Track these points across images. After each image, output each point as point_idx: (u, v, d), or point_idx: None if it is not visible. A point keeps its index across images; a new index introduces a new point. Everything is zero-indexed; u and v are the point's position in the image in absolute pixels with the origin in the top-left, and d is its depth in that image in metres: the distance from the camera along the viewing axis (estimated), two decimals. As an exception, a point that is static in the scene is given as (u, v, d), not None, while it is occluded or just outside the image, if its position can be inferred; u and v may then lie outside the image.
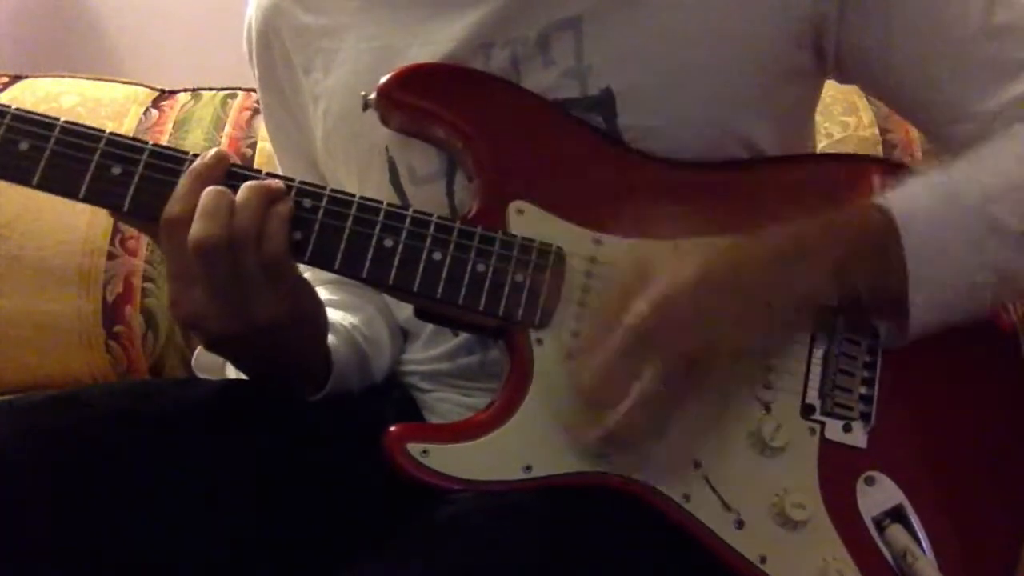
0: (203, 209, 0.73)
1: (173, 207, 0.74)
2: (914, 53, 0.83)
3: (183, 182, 0.75)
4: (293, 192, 0.77)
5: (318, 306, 0.84)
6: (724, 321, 0.73)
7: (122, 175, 0.76)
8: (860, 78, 0.89)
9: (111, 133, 0.77)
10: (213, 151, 0.77)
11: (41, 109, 0.78)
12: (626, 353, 0.72)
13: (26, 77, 1.54)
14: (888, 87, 0.88)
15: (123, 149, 0.77)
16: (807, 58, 0.86)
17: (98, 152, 0.76)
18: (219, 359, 0.88)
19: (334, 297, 1.00)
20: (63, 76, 1.55)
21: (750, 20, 0.83)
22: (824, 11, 0.83)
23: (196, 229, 0.72)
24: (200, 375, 0.91)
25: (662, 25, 0.83)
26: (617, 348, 0.72)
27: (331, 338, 0.90)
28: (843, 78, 0.90)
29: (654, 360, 0.71)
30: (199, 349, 0.91)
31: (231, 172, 0.77)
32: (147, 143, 0.77)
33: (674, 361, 0.71)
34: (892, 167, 0.88)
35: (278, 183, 0.77)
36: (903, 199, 0.77)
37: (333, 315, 0.96)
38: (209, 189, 0.74)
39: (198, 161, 0.76)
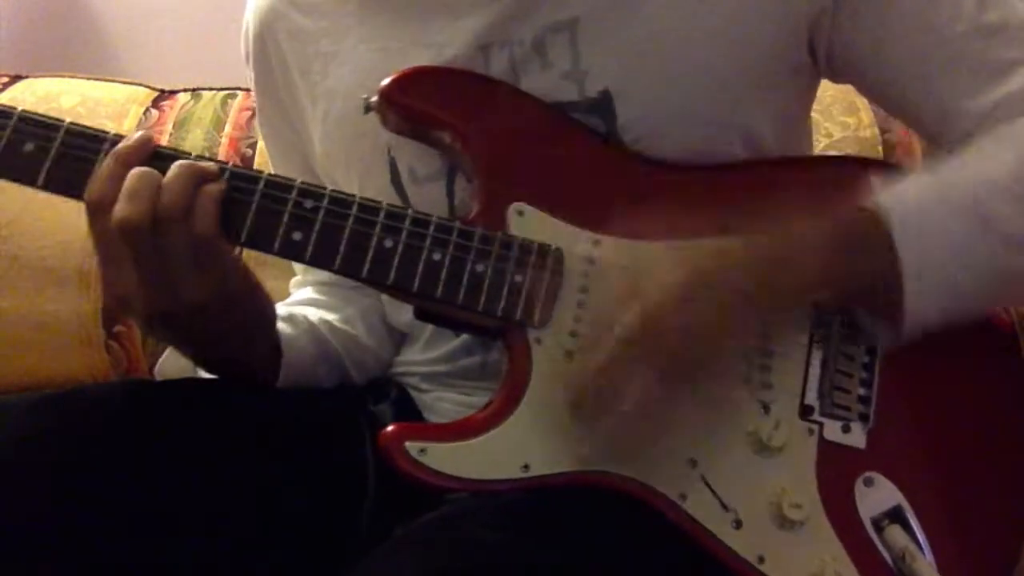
0: (127, 190, 0.73)
1: (95, 189, 0.74)
2: (905, 52, 0.83)
3: (106, 164, 0.75)
4: (294, 192, 0.77)
5: (253, 289, 0.83)
6: (712, 325, 0.73)
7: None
8: (851, 76, 0.89)
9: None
10: (138, 133, 0.77)
11: (41, 109, 0.78)
12: (618, 364, 0.72)
13: (26, 77, 1.54)
14: (879, 85, 0.88)
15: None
16: (804, 56, 0.86)
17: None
18: (185, 368, 0.88)
19: (315, 296, 1.00)
20: (63, 76, 1.55)
21: (747, 20, 0.83)
22: (819, 11, 0.83)
23: (120, 209, 0.73)
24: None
25: (658, 26, 0.83)
26: (609, 360, 0.73)
27: (286, 327, 0.90)
28: (834, 76, 0.90)
29: (646, 368, 0.72)
30: (162, 359, 0.91)
31: (157, 153, 0.77)
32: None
33: (665, 367, 0.72)
34: (888, 168, 0.88)
35: (210, 165, 0.77)
36: (893, 198, 0.77)
37: (304, 310, 0.96)
38: (135, 170, 0.74)
39: (122, 143, 0.76)
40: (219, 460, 0.79)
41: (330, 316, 0.98)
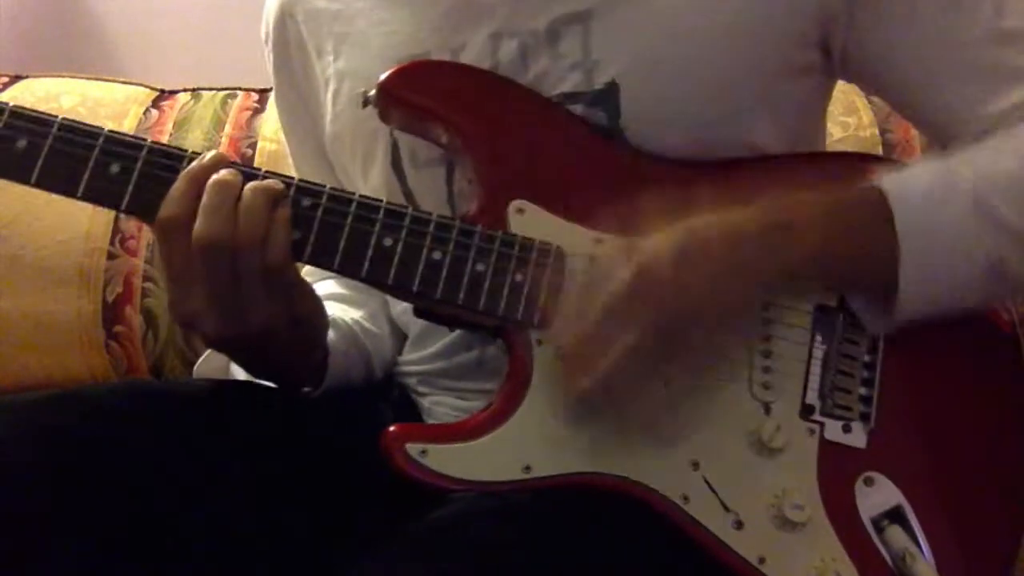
0: (206, 206, 0.73)
1: (169, 208, 0.74)
2: (920, 54, 0.83)
3: (179, 184, 0.74)
4: (292, 190, 0.77)
5: (316, 308, 0.84)
6: (705, 286, 0.72)
7: (120, 173, 0.76)
8: (864, 77, 0.89)
9: (110, 131, 0.77)
10: (212, 153, 0.76)
11: (41, 109, 0.78)
12: (609, 316, 0.71)
13: (26, 77, 1.54)
14: (892, 87, 0.88)
15: (122, 146, 0.77)
16: (814, 57, 0.86)
17: (97, 149, 0.76)
18: (220, 368, 0.88)
19: (340, 291, 1.00)
20: (63, 76, 1.55)
21: (757, 18, 0.83)
22: (832, 11, 0.83)
23: (201, 225, 0.72)
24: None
25: (669, 21, 0.83)
26: (600, 312, 0.72)
27: (331, 333, 0.90)
28: (847, 76, 0.90)
29: (636, 322, 0.71)
30: (201, 360, 0.91)
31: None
32: (146, 140, 0.77)
33: (655, 323, 0.71)
34: (892, 164, 0.88)
35: (280, 184, 0.76)
36: (897, 181, 0.77)
37: (334, 309, 0.96)
38: (212, 181, 0.73)
39: (195, 163, 0.75)
40: (219, 460, 0.79)
41: (358, 314, 0.98)
